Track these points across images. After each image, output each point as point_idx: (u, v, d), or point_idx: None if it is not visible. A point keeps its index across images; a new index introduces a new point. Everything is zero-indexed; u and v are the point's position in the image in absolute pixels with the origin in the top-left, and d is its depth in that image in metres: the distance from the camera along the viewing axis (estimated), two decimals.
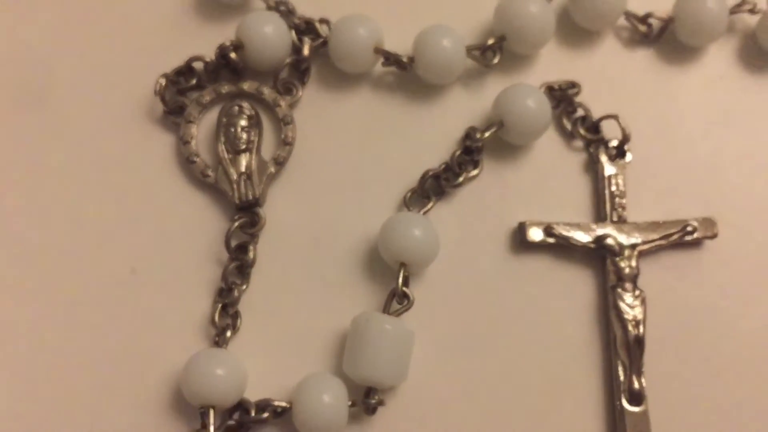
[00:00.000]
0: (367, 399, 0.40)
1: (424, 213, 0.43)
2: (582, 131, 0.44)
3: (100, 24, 0.49)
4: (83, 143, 0.46)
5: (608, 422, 0.41)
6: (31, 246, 0.45)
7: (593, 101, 0.45)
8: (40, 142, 0.47)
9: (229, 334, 0.42)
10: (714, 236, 0.42)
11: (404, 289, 0.41)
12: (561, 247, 0.43)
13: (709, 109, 0.46)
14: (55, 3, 0.51)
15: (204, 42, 0.45)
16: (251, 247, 0.43)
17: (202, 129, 0.45)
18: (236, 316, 0.43)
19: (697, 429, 0.42)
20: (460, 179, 0.44)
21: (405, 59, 0.45)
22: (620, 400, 0.40)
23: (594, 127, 0.44)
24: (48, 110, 0.48)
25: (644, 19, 0.46)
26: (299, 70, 0.46)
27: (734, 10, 0.45)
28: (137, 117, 0.45)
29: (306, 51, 0.45)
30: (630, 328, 0.41)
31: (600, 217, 0.43)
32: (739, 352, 0.43)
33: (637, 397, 0.40)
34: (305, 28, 0.46)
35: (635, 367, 0.40)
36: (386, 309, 0.41)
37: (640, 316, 0.41)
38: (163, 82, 0.45)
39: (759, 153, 0.46)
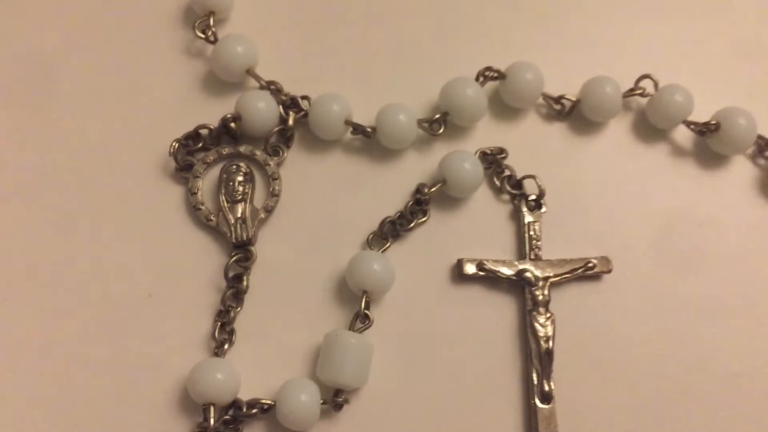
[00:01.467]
0: (335, 398, 0.44)
1: (383, 251, 0.47)
2: (508, 187, 0.49)
3: (126, 98, 0.52)
4: (113, 192, 0.49)
5: (525, 417, 0.45)
6: (68, 276, 0.48)
7: (517, 163, 0.49)
8: (78, 194, 0.49)
9: (226, 346, 0.46)
10: (609, 271, 0.47)
11: (366, 311, 0.46)
12: (490, 279, 0.47)
13: (608, 170, 0.50)
14: (89, 85, 0.51)
15: (209, 113, 0.50)
16: (245, 277, 0.48)
17: (206, 182, 0.49)
18: (232, 332, 0.47)
19: (595, 423, 0.45)
20: (412, 225, 0.48)
21: (369, 129, 0.49)
22: (534, 400, 0.45)
23: (517, 184, 0.49)
24: (84, 170, 0.50)
25: (558, 100, 0.50)
26: (285, 136, 0.50)
27: (627, 94, 0.49)
28: (155, 172, 0.50)
29: (291, 121, 0.50)
30: (542, 343, 0.45)
31: (521, 255, 0.48)
32: (628, 361, 0.46)
33: (547, 397, 0.45)
34: (290, 103, 0.50)
35: (546, 373, 0.45)
36: (352, 327, 0.46)
37: (550, 333, 0.45)
38: (175, 145, 0.49)
39: (646, 205, 0.49)
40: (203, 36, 0.50)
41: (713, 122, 0.47)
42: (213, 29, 0.50)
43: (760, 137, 0.47)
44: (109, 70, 0.52)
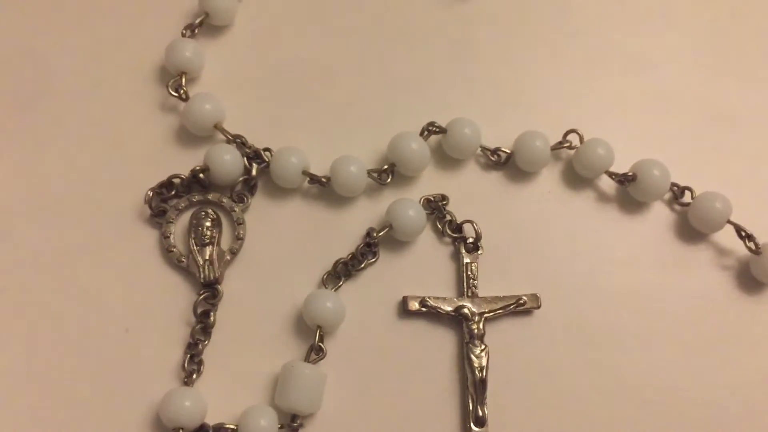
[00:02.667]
0: (291, 423, 0.47)
1: (336, 290, 0.50)
2: (449, 231, 0.51)
3: (106, 149, 0.54)
4: (93, 235, 0.52)
5: None
6: (52, 311, 0.50)
7: (458, 209, 0.52)
8: (61, 237, 0.52)
9: (194, 376, 0.49)
10: (539, 307, 0.50)
11: (320, 344, 0.48)
12: (432, 314, 0.50)
13: (539, 215, 0.53)
14: (71, 135, 0.54)
15: (181, 163, 0.53)
16: (212, 314, 0.50)
17: (178, 227, 0.52)
18: (200, 363, 0.49)
19: None
20: (363, 265, 0.51)
21: (324, 179, 0.52)
22: (470, 423, 0.48)
23: (457, 228, 0.51)
24: (66, 215, 0.52)
25: (494, 152, 0.53)
26: (249, 185, 0.53)
27: (555, 146, 0.52)
28: (132, 218, 0.52)
29: (254, 172, 0.52)
30: (477, 372, 0.48)
31: (460, 292, 0.50)
32: (555, 389, 0.49)
33: (480, 421, 0.48)
34: (254, 155, 0.53)
35: (480, 400, 0.48)
36: (307, 358, 0.48)
37: (484, 364, 0.48)
38: (150, 193, 0.51)
39: (573, 246, 0.52)
40: (176, 94, 0.53)
41: (630, 173, 0.51)
42: (184, 88, 0.53)
43: (674, 185, 0.52)
44: (90, 123, 0.55)
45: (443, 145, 0.54)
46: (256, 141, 0.53)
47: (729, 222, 0.51)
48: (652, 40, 0.58)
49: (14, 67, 0.56)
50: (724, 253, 0.52)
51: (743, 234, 0.50)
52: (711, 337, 0.50)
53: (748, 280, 0.51)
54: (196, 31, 0.56)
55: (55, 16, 0.58)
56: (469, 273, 0.51)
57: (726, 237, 0.51)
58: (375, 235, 0.50)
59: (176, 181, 0.52)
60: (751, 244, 0.50)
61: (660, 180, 0.51)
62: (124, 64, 0.56)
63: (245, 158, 0.53)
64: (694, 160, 0.54)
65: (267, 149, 0.53)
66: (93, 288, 0.51)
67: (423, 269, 0.52)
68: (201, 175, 0.52)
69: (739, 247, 0.51)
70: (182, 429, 0.46)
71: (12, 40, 0.57)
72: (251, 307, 0.51)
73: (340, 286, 0.50)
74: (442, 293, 0.51)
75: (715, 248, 0.52)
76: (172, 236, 0.51)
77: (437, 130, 0.52)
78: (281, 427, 0.47)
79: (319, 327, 0.49)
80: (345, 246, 0.51)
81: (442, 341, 0.50)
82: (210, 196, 0.52)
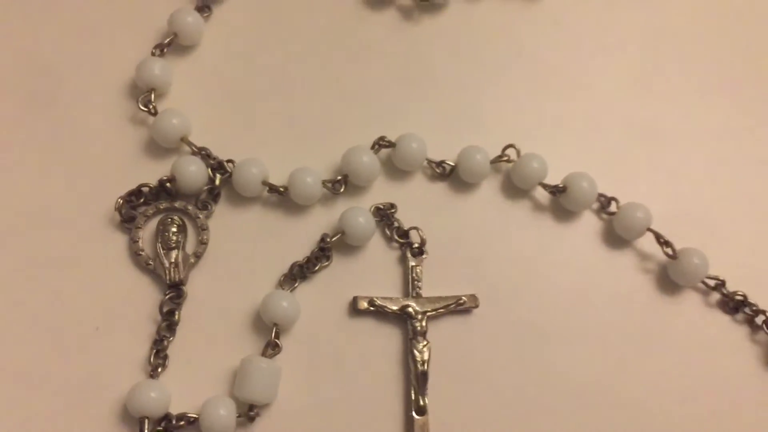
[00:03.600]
0: (249, 412, 0.49)
1: (291, 290, 0.52)
2: (396, 237, 0.54)
3: (79, 160, 0.56)
4: (67, 240, 0.54)
5: (405, 427, 0.50)
6: (26, 310, 0.52)
7: (405, 217, 0.55)
8: (36, 242, 0.54)
9: (160, 370, 0.51)
10: (477, 306, 0.53)
11: (276, 340, 0.51)
12: (379, 313, 0.53)
13: (480, 222, 0.56)
14: (46, 145, 0.56)
15: (149, 173, 0.55)
16: (177, 312, 0.52)
17: (146, 232, 0.54)
18: (165, 358, 0.51)
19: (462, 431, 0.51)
20: (317, 268, 0.53)
21: (282, 189, 0.54)
22: (411, 412, 0.50)
23: (404, 234, 0.54)
24: (41, 221, 0.54)
25: (439, 164, 0.56)
26: (213, 194, 0.55)
27: (495, 160, 0.55)
28: (103, 223, 0.54)
29: (217, 182, 0.55)
30: (419, 366, 0.51)
31: (405, 293, 0.53)
32: (492, 381, 0.52)
33: (421, 410, 0.50)
34: (217, 166, 0.55)
35: (422, 391, 0.50)
36: (264, 353, 0.50)
37: (426, 358, 0.51)
38: (120, 201, 0.54)
39: (510, 252, 0.55)
40: (145, 109, 0.56)
41: (562, 185, 0.55)
42: (153, 104, 0.56)
43: (601, 195, 0.55)
44: (64, 135, 0.57)
45: (392, 158, 0.56)
46: (220, 153, 0.55)
47: (649, 230, 0.54)
48: (585, 63, 0.62)
49: None
50: (645, 258, 0.56)
51: (661, 240, 0.54)
52: (633, 334, 0.54)
53: (666, 282, 0.55)
54: (165, 50, 0.58)
55: (33, 35, 0.60)
56: (414, 275, 0.54)
57: (647, 243, 0.55)
58: (328, 240, 0.53)
59: (145, 189, 0.54)
60: (669, 250, 0.54)
61: (588, 191, 0.55)
62: (98, 80, 0.58)
63: (209, 169, 0.55)
64: (619, 174, 0.58)
65: (230, 161, 0.55)
66: (66, 288, 0.53)
67: (372, 272, 0.54)
68: (168, 184, 0.54)
69: (659, 253, 0.55)
70: (148, 418, 0.49)
71: None
72: (213, 307, 0.53)
73: (295, 287, 0.53)
74: (389, 294, 0.53)
75: (637, 254, 0.56)
76: (140, 241, 0.54)
77: (387, 144, 0.55)
78: (239, 416, 0.49)
79: (275, 324, 0.51)
80: (301, 250, 0.54)
81: (389, 337, 0.53)
82: (176, 204, 0.54)
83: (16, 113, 0.57)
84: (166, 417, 0.49)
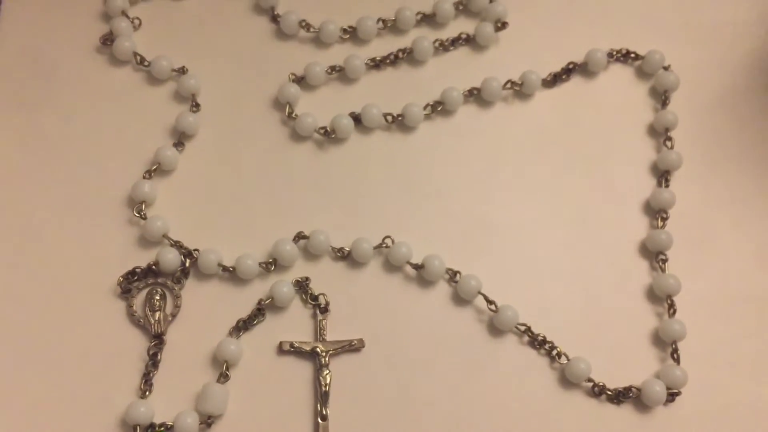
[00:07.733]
0: (207, 420, 0.61)
1: (238, 338, 0.64)
2: (310, 300, 0.66)
3: (85, 251, 0.67)
4: (79, 306, 0.65)
5: (314, 428, 0.62)
6: (47, 355, 0.63)
7: (316, 286, 0.67)
8: (51, 309, 0.65)
9: (147, 393, 0.62)
10: (363, 347, 0.65)
11: (227, 372, 0.62)
12: (297, 352, 0.64)
13: (368, 290, 0.68)
14: (53, 250, 0.67)
15: (141, 259, 0.67)
16: (159, 354, 0.63)
17: (138, 299, 0.65)
18: (151, 385, 0.62)
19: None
20: (255, 322, 0.66)
21: (231, 268, 0.66)
22: (318, 419, 0.62)
23: (315, 298, 0.66)
24: (60, 293, 0.65)
25: (339, 250, 0.68)
26: (184, 272, 0.66)
27: (377, 246, 0.67)
28: (107, 294, 0.67)
29: (187, 264, 0.67)
30: (324, 387, 0.63)
31: (316, 338, 0.65)
32: (375, 399, 0.63)
33: (324, 417, 0.62)
34: (187, 253, 0.66)
35: (325, 404, 0.62)
36: (218, 380, 0.63)
37: (328, 381, 0.63)
38: (120, 279, 0.65)
39: (389, 308, 0.66)
40: (138, 215, 0.68)
41: (421, 263, 0.69)
42: (144, 212, 0.69)
43: (449, 269, 0.67)
44: (73, 238, 0.68)
45: (308, 245, 0.68)
46: (190, 244, 0.68)
47: (480, 293, 0.68)
48: (443, 174, 0.74)
49: None
50: (479, 311, 0.69)
51: (488, 300, 0.66)
52: (472, 368, 0.66)
53: (492, 329, 0.68)
54: (152, 174, 0.71)
55: (34, 163, 0.72)
56: (321, 326, 0.66)
57: (479, 302, 0.68)
58: (263, 303, 0.65)
59: (138, 270, 0.66)
60: (492, 306, 0.67)
61: (439, 267, 0.68)
62: (102, 195, 0.71)
63: (182, 256, 0.67)
64: (464, 252, 0.70)
65: (196, 249, 0.67)
66: (80, 339, 0.64)
67: (292, 325, 0.67)
68: (154, 266, 0.66)
69: (486, 308, 0.67)
70: (138, 426, 0.60)
71: None
72: (184, 350, 0.65)
73: (240, 335, 0.65)
74: (304, 339, 0.66)
75: (474, 309, 0.69)
76: (134, 305, 0.65)
77: (304, 236, 0.68)
78: (201, 424, 0.61)
79: (225, 361, 0.63)
80: (244, 310, 0.67)
81: (303, 368, 0.65)
82: (159, 280, 0.66)
83: (45, 215, 0.69)
84: (152, 425, 0.61)
